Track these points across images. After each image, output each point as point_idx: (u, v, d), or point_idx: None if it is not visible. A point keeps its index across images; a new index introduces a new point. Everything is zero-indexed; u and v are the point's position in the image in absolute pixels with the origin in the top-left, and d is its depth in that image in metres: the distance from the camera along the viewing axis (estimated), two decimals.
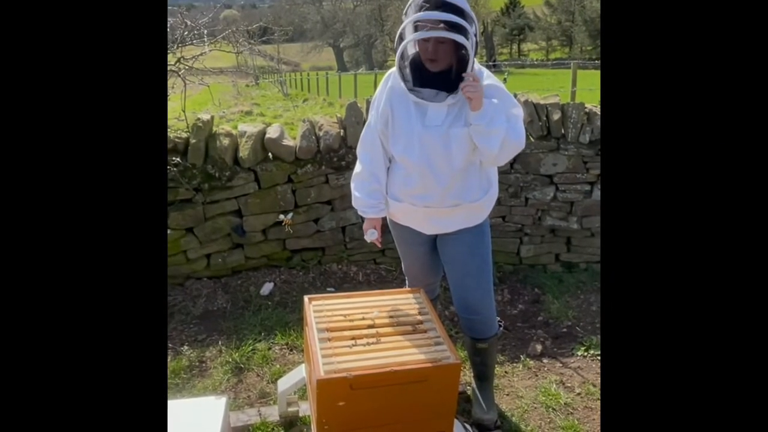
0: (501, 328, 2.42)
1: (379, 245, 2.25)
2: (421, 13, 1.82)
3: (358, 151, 2.20)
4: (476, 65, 1.95)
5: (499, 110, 1.92)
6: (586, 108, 3.43)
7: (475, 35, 1.86)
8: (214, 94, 7.29)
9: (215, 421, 1.01)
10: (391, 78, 2.06)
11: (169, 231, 3.26)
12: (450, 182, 2.07)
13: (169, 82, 3.48)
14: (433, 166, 2.06)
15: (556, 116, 3.40)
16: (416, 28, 1.86)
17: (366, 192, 2.16)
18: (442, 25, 1.80)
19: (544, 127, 3.42)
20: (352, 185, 2.20)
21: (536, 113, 3.41)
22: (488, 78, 1.99)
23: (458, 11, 1.81)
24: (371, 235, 2.21)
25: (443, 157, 2.03)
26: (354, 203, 2.22)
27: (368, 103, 3.40)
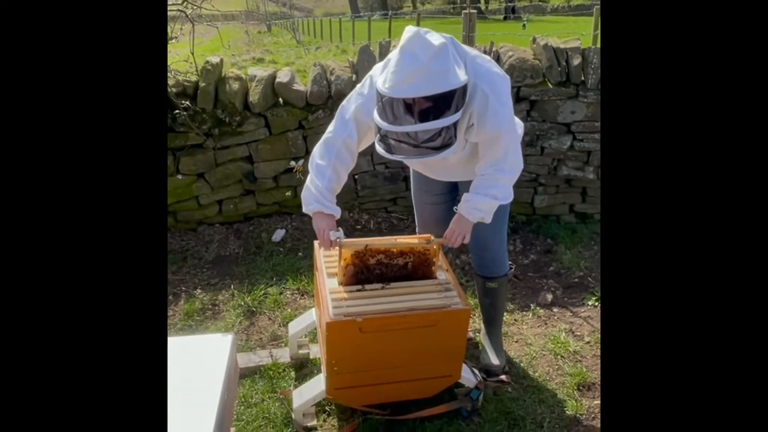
0: (511, 270, 2.41)
1: (332, 247, 1.93)
2: (387, 125, 1.60)
3: (330, 133, 1.90)
4: (482, 96, 1.69)
5: (486, 196, 1.88)
6: None
7: (463, 93, 1.60)
8: (224, 40, 7.12)
9: (221, 358, 1.01)
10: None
11: (180, 176, 3.25)
12: (452, 173, 2.02)
13: (177, 26, 3.39)
14: (432, 170, 2.02)
15: (576, 61, 3.27)
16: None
17: (326, 186, 1.87)
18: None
19: (564, 72, 3.30)
20: (311, 169, 1.91)
21: (555, 58, 3.28)
22: (494, 117, 1.72)
23: (434, 101, 1.54)
24: (336, 234, 1.90)
25: (440, 166, 1.98)
26: (310, 192, 1.90)
27: (381, 46, 3.30)
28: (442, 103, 1.56)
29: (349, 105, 1.87)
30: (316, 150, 1.92)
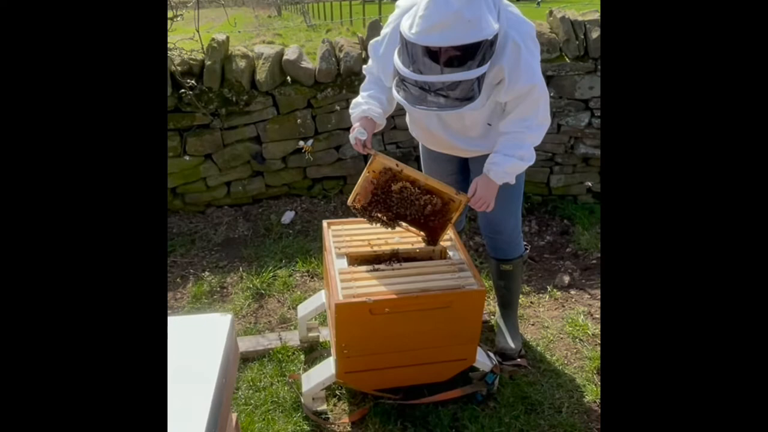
0: (527, 252, 2.32)
1: (365, 151, 1.82)
2: (408, 72, 1.53)
3: (369, 67, 1.93)
4: (512, 47, 1.62)
5: (513, 157, 1.78)
6: None
7: (492, 39, 1.50)
8: (233, 23, 6.95)
9: (219, 338, 0.95)
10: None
11: (187, 157, 3.18)
12: (468, 139, 1.93)
13: (182, 7, 3.30)
14: (449, 131, 1.93)
15: (595, 34, 3.13)
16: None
17: (367, 94, 1.87)
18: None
19: (581, 46, 3.17)
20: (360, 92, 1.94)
21: (573, 31, 3.15)
22: (526, 74, 1.66)
23: (462, 51, 1.46)
24: (358, 134, 1.79)
25: (458, 126, 1.90)
26: (352, 105, 1.90)
27: None
28: (470, 54, 1.47)
29: (382, 40, 1.82)
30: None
